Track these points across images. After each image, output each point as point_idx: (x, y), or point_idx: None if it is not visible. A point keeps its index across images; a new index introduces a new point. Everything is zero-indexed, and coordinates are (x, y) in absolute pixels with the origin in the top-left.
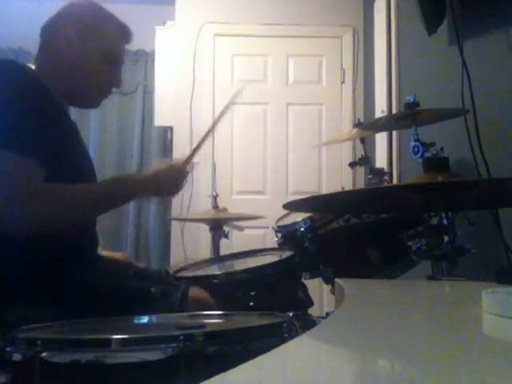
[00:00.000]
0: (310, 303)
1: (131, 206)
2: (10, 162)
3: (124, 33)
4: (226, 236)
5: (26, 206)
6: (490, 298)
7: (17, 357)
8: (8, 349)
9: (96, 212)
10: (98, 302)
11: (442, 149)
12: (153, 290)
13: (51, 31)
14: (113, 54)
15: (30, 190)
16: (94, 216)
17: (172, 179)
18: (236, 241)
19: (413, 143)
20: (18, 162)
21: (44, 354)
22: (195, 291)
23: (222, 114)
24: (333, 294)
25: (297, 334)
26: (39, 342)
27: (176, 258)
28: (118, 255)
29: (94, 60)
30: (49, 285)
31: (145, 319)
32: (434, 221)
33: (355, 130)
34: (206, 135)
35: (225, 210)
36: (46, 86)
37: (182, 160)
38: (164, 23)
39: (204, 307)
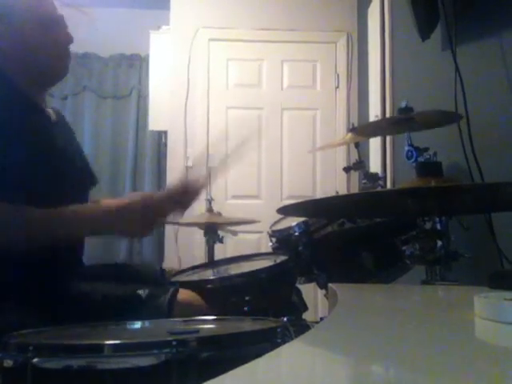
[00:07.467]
0: (305, 308)
1: None
2: None
3: None
4: (221, 240)
5: None
6: (482, 303)
7: (8, 363)
8: None
9: (35, 240)
10: (84, 308)
11: (435, 154)
12: (140, 292)
13: None
14: (42, 14)
15: None
16: (35, 243)
17: (138, 216)
18: (230, 245)
19: (406, 148)
20: None
21: (35, 360)
22: (184, 294)
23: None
24: (327, 298)
25: (291, 339)
26: (31, 348)
27: (170, 263)
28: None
29: (30, 29)
30: (35, 293)
31: (137, 324)
32: (428, 225)
33: (349, 135)
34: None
35: (219, 214)
36: (12, 83)
37: (165, 192)
38: (158, 28)
39: (194, 310)
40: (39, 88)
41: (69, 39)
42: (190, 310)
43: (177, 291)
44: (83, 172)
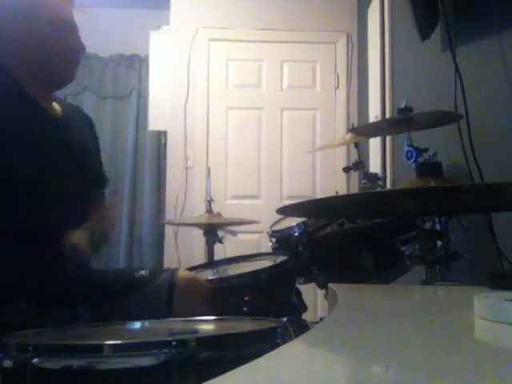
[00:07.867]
0: (304, 308)
1: (125, 209)
2: None
3: None
4: (220, 241)
5: None
6: (482, 303)
7: (7, 363)
8: None
9: None
10: (88, 290)
11: (435, 154)
12: (141, 273)
13: None
14: (56, 16)
15: None
16: None
17: None
18: (230, 245)
19: (406, 148)
20: None
21: (35, 360)
22: (185, 273)
23: None
24: (327, 298)
25: (290, 340)
26: (30, 348)
27: (169, 263)
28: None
29: (42, 31)
30: (35, 290)
31: (137, 324)
32: (428, 226)
33: (349, 135)
34: None
35: (219, 214)
36: (16, 83)
37: None
38: (158, 28)
39: (194, 288)
40: (44, 89)
41: (82, 46)
42: (188, 287)
43: (177, 270)
44: (86, 169)
